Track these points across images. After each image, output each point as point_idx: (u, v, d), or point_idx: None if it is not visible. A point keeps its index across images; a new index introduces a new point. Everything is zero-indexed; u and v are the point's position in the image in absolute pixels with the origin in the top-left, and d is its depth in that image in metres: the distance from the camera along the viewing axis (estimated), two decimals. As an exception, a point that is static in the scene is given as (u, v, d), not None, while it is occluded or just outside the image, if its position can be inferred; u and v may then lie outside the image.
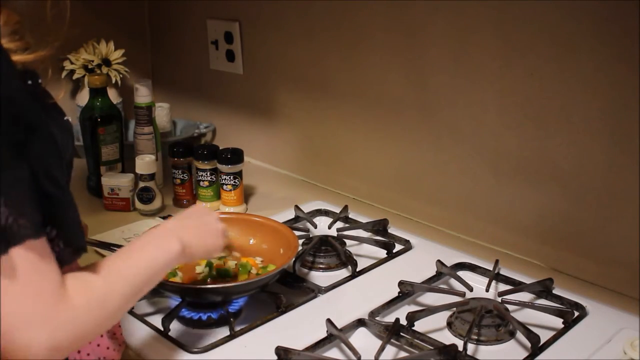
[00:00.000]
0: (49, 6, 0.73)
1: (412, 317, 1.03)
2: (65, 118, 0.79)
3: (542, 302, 1.10)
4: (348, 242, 1.29)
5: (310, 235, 1.30)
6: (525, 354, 0.97)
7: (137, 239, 0.87)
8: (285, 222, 1.30)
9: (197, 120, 1.84)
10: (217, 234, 0.99)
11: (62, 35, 0.73)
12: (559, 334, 1.01)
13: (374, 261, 1.23)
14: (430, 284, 1.14)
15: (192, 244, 0.90)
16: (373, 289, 1.14)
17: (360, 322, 1.05)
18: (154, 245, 0.86)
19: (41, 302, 0.66)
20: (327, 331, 1.01)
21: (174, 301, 1.08)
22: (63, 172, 0.74)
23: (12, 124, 0.65)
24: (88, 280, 0.74)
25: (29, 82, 0.72)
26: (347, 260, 1.22)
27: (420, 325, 1.03)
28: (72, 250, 0.74)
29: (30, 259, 0.66)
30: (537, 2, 1.12)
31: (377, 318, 1.05)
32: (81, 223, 0.78)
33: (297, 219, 1.39)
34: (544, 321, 1.06)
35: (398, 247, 1.28)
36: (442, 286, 1.16)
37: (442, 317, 1.06)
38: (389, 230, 1.34)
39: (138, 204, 1.45)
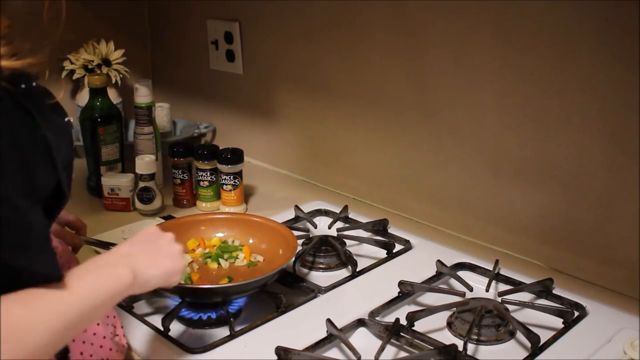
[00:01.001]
0: (47, 7, 0.71)
1: (412, 317, 1.03)
2: (67, 119, 0.76)
3: (542, 302, 1.10)
4: (348, 242, 1.29)
5: (310, 235, 1.30)
6: (525, 354, 0.97)
7: (83, 265, 0.76)
8: (285, 222, 1.30)
9: (197, 120, 1.85)
10: (174, 257, 0.89)
11: (55, 39, 0.70)
12: (559, 334, 1.01)
13: (374, 261, 1.23)
14: (430, 284, 1.14)
15: (145, 271, 0.82)
16: (373, 289, 1.14)
17: (360, 322, 1.05)
18: (97, 274, 0.76)
19: None
20: (327, 331, 1.01)
21: (174, 301, 1.08)
22: (28, 188, 0.68)
23: None
24: (6, 307, 0.64)
25: (22, 85, 0.68)
26: (347, 260, 1.22)
27: (420, 325, 1.03)
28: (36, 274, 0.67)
29: None
30: (537, 2, 1.12)
31: (377, 318, 1.05)
32: (49, 249, 0.70)
33: (297, 219, 1.39)
34: (544, 321, 1.05)
35: (398, 247, 1.28)
36: (442, 286, 1.16)
37: (442, 317, 1.06)
38: (389, 230, 1.34)
39: (138, 204, 1.45)
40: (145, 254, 0.85)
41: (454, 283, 1.16)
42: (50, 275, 0.68)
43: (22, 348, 0.64)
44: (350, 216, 1.40)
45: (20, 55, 0.68)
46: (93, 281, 0.74)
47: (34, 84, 0.72)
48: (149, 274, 0.83)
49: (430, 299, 1.12)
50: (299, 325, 1.04)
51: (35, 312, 0.66)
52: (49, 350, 0.67)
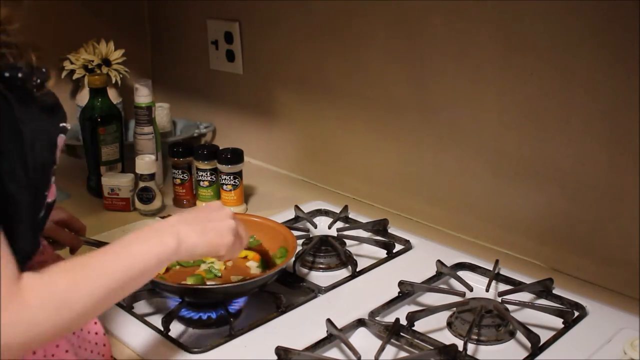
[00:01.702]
0: None
1: (412, 317, 1.03)
2: (61, 125, 0.76)
3: (542, 302, 1.10)
4: (348, 242, 1.29)
5: (310, 235, 1.30)
6: (525, 354, 0.97)
7: (132, 233, 0.81)
8: (285, 222, 1.30)
9: (197, 120, 1.84)
10: (224, 231, 0.90)
11: (18, 19, 0.70)
12: (559, 334, 1.01)
13: (374, 261, 1.23)
14: (430, 284, 1.14)
15: (190, 240, 0.84)
16: (373, 289, 1.14)
17: (360, 322, 1.05)
18: (142, 241, 0.80)
19: None
20: (327, 331, 1.01)
21: (174, 301, 1.08)
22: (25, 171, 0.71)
23: None
24: (50, 278, 0.69)
25: (6, 74, 0.69)
26: (347, 260, 1.22)
27: (420, 325, 1.03)
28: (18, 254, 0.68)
29: None
30: (537, 2, 1.12)
31: (377, 318, 1.05)
32: (39, 228, 0.73)
33: (297, 219, 1.39)
34: (544, 321, 1.05)
35: (398, 247, 1.28)
36: (442, 286, 1.16)
37: (442, 317, 1.06)
38: (389, 230, 1.34)
39: (138, 204, 1.45)
40: (194, 223, 0.87)
41: (454, 283, 1.16)
42: (28, 251, 0.73)
43: (67, 314, 0.68)
44: (350, 216, 1.40)
45: None
46: (139, 248, 0.78)
47: (20, 74, 0.72)
48: (193, 242, 0.85)
49: (430, 299, 1.12)
50: (299, 325, 1.04)
51: (80, 281, 0.70)
52: (94, 314, 0.74)
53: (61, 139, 0.79)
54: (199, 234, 0.87)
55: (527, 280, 1.14)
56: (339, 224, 1.37)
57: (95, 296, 0.71)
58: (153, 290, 1.08)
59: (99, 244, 1.21)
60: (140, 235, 0.81)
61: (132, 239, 0.79)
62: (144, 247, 0.79)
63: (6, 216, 0.69)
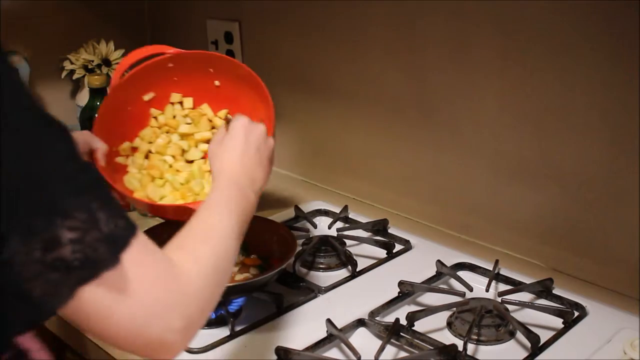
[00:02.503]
0: None
1: (412, 317, 1.03)
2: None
3: (542, 302, 1.10)
4: (348, 242, 1.29)
5: (310, 235, 1.31)
6: (525, 354, 0.97)
7: (214, 198, 0.83)
8: (285, 222, 1.30)
9: (197, 120, 1.84)
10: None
11: None
12: (559, 334, 1.01)
13: (374, 261, 1.23)
14: (430, 284, 1.14)
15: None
16: (373, 289, 1.14)
17: (360, 322, 1.05)
18: (235, 205, 0.83)
19: (161, 289, 0.64)
20: (327, 331, 1.01)
21: (174, 301, 1.08)
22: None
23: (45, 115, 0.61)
24: (192, 248, 0.72)
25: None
26: (347, 260, 1.22)
27: (420, 325, 1.03)
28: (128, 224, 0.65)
29: (137, 255, 0.62)
30: (537, 2, 1.11)
31: (377, 318, 1.05)
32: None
33: (297, 219, 1.39)
34: (544, 321, 1.05)
35: (398, 247, 1.28)
36: (442, 286, 1.16)
37: (442, 317, 1.06)
38: (389, 230, 1.34)
39: (138, 204, 1.45)
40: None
41: (454, 283, 1.16)
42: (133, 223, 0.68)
43: (221, 274, 0.73)
44: (350, 216, 1.40)
45: None
46: (239, 213, 0.81)
47: None
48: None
49: (430, 299, 1.12)
50: (299, 325, 1.04)
51: (215, 242, 0.74)
52: (231, 270, 0.77)
53: None
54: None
55: (527, 280, 1.14)
56: (339, 224, 1.37)
57: (229, 253, 0.76)
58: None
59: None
60: (230, 197, 0.83)
61: (223, 203, 0.82)
62: (238, 207, 0.82)
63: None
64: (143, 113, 1.19)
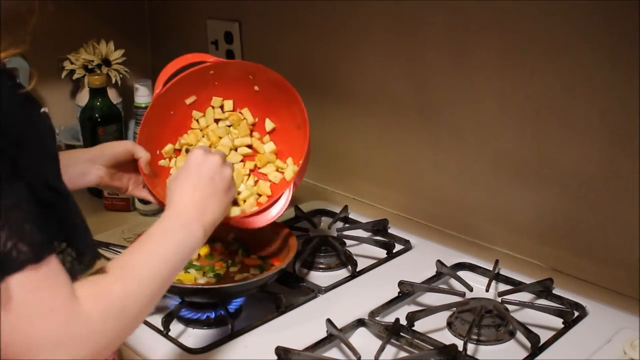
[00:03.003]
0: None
1: (412, 317, 1.03)
2: (42, 110, 0.73)
3: (542, 302, 1.10)
4: (348, 242, 1.29)
5: (311, 235, 1.30)
6: (525, 354, 0.97)
7: (152, 230, 0.81)
8: (285, 222, 1.30)
9: (197, 120, 1.84)
10: (229, 188, 0.93)
11: (30, 29, 0.70)
12: (559, 334, 1.01)
13: (374, 261, 1.23)
14: (430, 284, 1.14)
15: (212, 218, 0.87)
16: (373, 289, 1.14)
17: (360, 322, 1.05)
18: (172, 237, 0.81)
19: (54, 323, 0.62)
20: (327, 331, 1.01)
21: (174, 301, 1.08)
22: (60, 174, 0.69)
23: (1, 139, 0.61)
24: (102, 286, 0.69)
25: (9, 83, 0.67)
26: (347, 260, 1.22)
27: (420, 325, 1.03)
28: (84, 260, 0.70)
29: (31, 283, 0.61)
30: (537, 3, 1.11)
31: (377, 318, 1.05)
32: (89, 230, 0.73)
33: (297, 219, 1.39)
34: (544, 321, 1.06)
35: (398, 247, 1.28)
36: (442, 286, 1.16)
37: (442, 317, 1.06)
38: (389, 230, 1.34)
39: (138, 204, 1.45)
40: (209, 200, 0.89)
41: (454, 283, 1.16)
42: (94, 256, 0.72)
43: (126, 320, 0.70)
44: (350, 216, 1.40)
45: (3, 46, 0.66)
46: (170, 246, 0.79)
47: (18, 80, 0.70)
48: (215, 218, 0.88)
49: (430, 299, 1.12)
50: (299, 325, 1.04)
51: (129, 285, 0.71)
52: (143, 317, 0.75)
53: None
54: (217, 207, 0.89)
55: (527, 280, 1.14)
56: (339, 224, 1.37)
57: (145, 298, 0.73)
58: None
59: (99, 244, 1.22)
60: (165, 232, 0.82)
61: (158, 239, 0.80)
62: (177, 244, 0.81)
63: (63, 229, 0.68)
64: (185, 116, 1.20)
